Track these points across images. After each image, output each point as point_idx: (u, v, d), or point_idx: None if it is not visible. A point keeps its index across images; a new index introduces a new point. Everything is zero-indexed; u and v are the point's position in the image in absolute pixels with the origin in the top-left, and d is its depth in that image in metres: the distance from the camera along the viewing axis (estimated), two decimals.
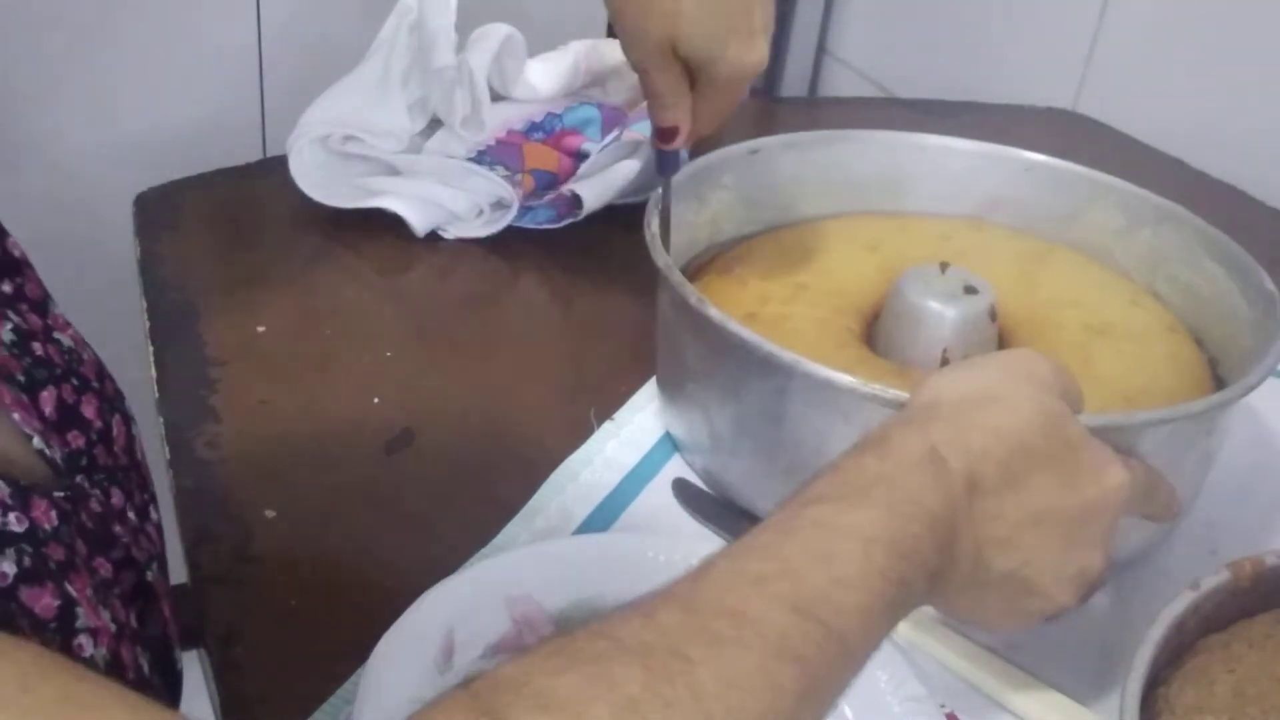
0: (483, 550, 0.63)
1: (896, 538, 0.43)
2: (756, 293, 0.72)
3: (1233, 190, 1.08)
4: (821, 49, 1.59)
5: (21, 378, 0.56)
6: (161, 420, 0.71)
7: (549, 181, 0.93)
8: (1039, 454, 0.49)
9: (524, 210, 0.91)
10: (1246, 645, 0.53)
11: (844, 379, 0.58)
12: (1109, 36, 1.21)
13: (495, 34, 0.91)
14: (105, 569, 0.55)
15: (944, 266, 0.69)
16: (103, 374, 0.64)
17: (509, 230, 0.91)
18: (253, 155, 1.02)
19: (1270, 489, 0.74)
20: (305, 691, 0.55)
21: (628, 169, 0.92)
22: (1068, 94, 1.25)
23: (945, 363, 0.67)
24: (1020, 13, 1.32)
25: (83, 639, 0.49)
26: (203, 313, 0.80)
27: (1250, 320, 0.69)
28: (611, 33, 0.77)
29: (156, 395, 0.73)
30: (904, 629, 0.59)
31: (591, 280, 0.88)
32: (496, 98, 0.95)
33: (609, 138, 0.94)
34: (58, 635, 0.48)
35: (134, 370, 0.75)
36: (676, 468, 0.70)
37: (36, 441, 0.54)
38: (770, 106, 1.44)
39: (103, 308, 0.92)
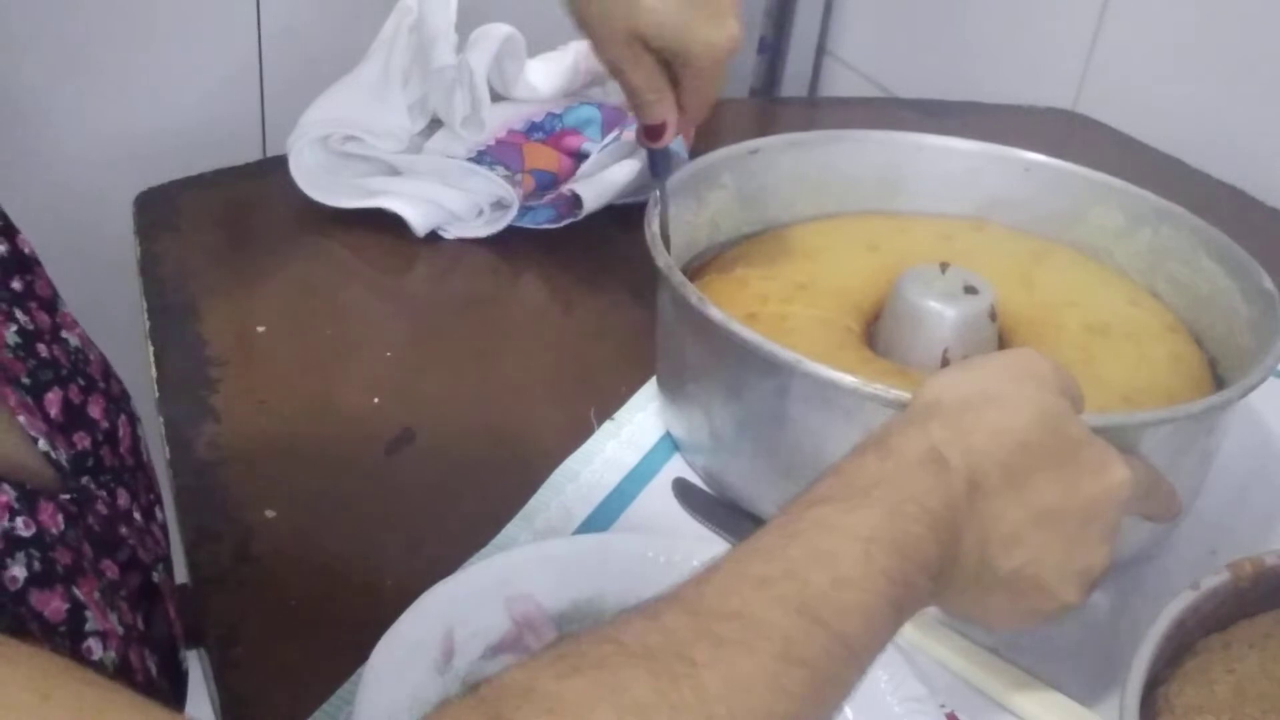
0: (483, 550, 0.63)
1: (898, 538, 0.43)
2: (757, 292, 0.72)
3: (1233, 190, 1.08)
4: (821, 49, 1.59)
5: (26, 380, 0.56)
6: (161, 420, 0.71)
7: (549, 181, 0.93)
8: (1041, 453, 0.49)
9: (524, 210, 0.91)
10: (1246, 645, 0.53)
11: (846, 379, 0.58)
12: (1109, 36, 1.21)
13: (495, 34, 0.91)
14: (112, 571, 0.55)
15: (944, 267, 0.69)
16: (109, 374, 0.64)
17: (509, 230, 0.91)
18: (253, 155, 1.02)
19: (1270, 489, 0.74)
20: (305, 691, 0.55)
21: (628, 169, 0.92)
22: (1068, 94, 1.25)
23: (945, 363, 0.67)
24: (1020, 13, 1.32)
25: (91, 642, 0.49)
26: (203, 313, 0.80)
27: (1250, 320, 0.69)
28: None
29: (156, 395, 0.73)
30: (905, 629, 0.59)
31: (591, 280, 0.88)
32: (496, 98, 0.95)
33: (609, 138, 0.94)
34: (67, 639, 0.48)
35: (134, 371, 0.75)
36: (677, 468, 0.70)
37: (42, 444, 0.54)
38: (770, 106, 1.44)
39: (103, 308, 0.92)
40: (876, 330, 0.71)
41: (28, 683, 0.31)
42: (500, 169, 0.93)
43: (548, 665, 0.37)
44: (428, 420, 0.72)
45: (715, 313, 0.61)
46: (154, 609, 0.58)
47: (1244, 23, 1.09)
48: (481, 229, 0.91)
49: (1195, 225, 0.74)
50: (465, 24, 0.93)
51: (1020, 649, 0.60)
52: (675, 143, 0.94)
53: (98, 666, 0.49)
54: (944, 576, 0.46)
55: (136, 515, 0.60)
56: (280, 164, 0.91)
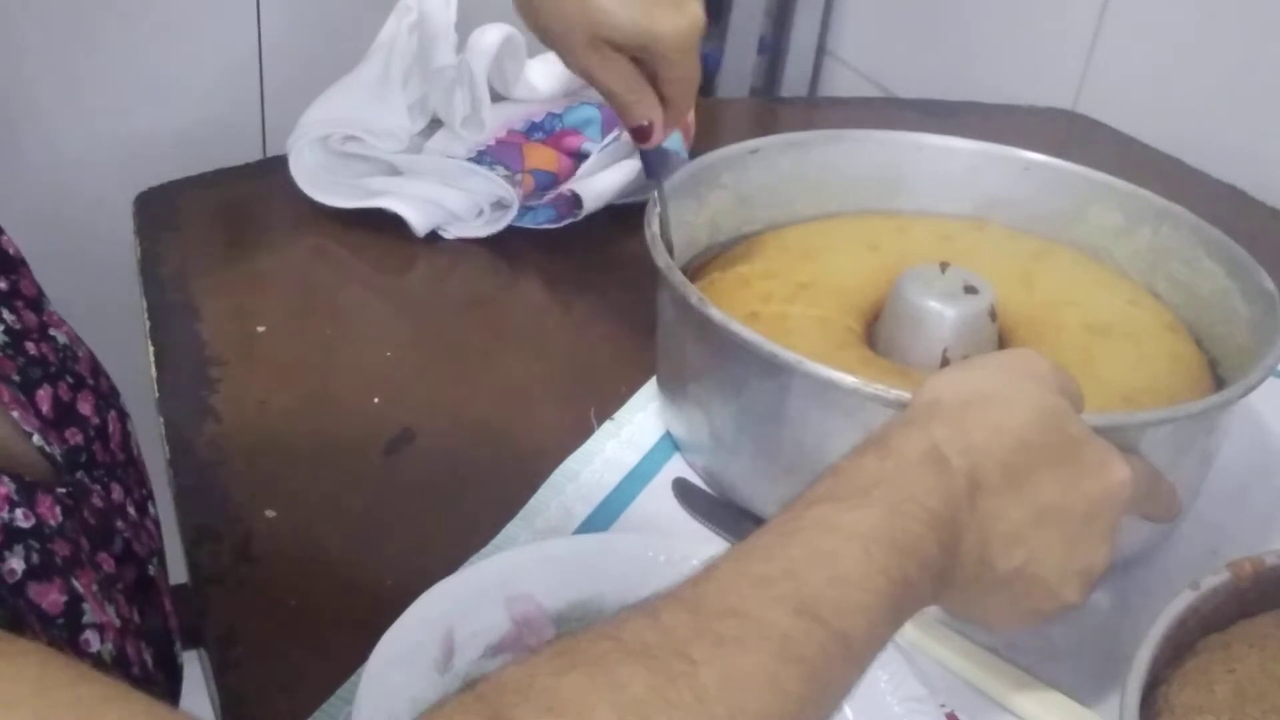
0: (483, 550, 0.63)
1: (898, 537, 0.43)
2: (760, 291, 0.72)
3: (1233, 190, 1.08)
4: (821, 49, 1.59)
5: (17, 377, 0.56)
6: (161, 420, 0.71)
7: (549, 181, 0.93)
8: (1041, 451, 0.49)
9: (524, 210, 0.91)
10: (1246, 645, 0.53)
11: (846, 379, 0.58)
12: (1109, 36, 1.21)
13: (495, 34, 0.91)
14: (108, 564, 0.55)
15: (944, 266, 0.69)
16: (97, 371, 0.64)
17: (509, 230, 0.91)
18: (253, 155, 1.02)
19: (1270, 489, 0.74)
20: (305, 691, 0.55)
21: (628, 169, 0.92)
22: (1068, 94, 1.25)
23: (945, 363, 0.67)
24: (1020, 13, 1.32)
25: (89, 634, 0.49)
26: (203, 313, 0.80)
27: (1250, 320, 0.69)
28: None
29: (156, 395, 0.73)
30: (905, 629, 0.59)
31: (591, 280, 0.88)
32: (496, 98, 0.95)
33: (609, 138, 0.94)
34: (65, 631, 0.48)
35: (134, 371, 0.75)
36: (677, 467, 0.70)
37: (36, 439, 0.54)
38: (770, 106, 1.44)
39: (103, 308, 0.92)
40: (876, 330, 0.71)
41: (26, 679, 0.31)
42: (500, 169, 0.93)
43: (546, 662, 0.37)
44: (428, 420, 0.72)
45: (715, 313, 0.61)
46: (149, 602, 0.58)
47: (1244, 23, 1.09)
48: (481, 229, 0.91)
49: (1195, 225, 0.74)
50: (465, 24, 0.93)
51: (1020, 649, 0.60)
52: (675, 142, 0.95)
53: (95, 658, 0.50)
54: (945, 576, 0.46)
55: (130, 510, 0.60)
56: (280, 164, 0.91)
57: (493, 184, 0.90)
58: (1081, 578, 0.51)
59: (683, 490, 0.69)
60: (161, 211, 0.91)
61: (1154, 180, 0.78)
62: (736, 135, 0.79)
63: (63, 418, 0.58)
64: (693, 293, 0.63)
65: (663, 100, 0.69)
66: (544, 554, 0.60)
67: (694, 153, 0.94)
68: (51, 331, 0.61)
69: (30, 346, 0.58)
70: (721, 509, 0.67)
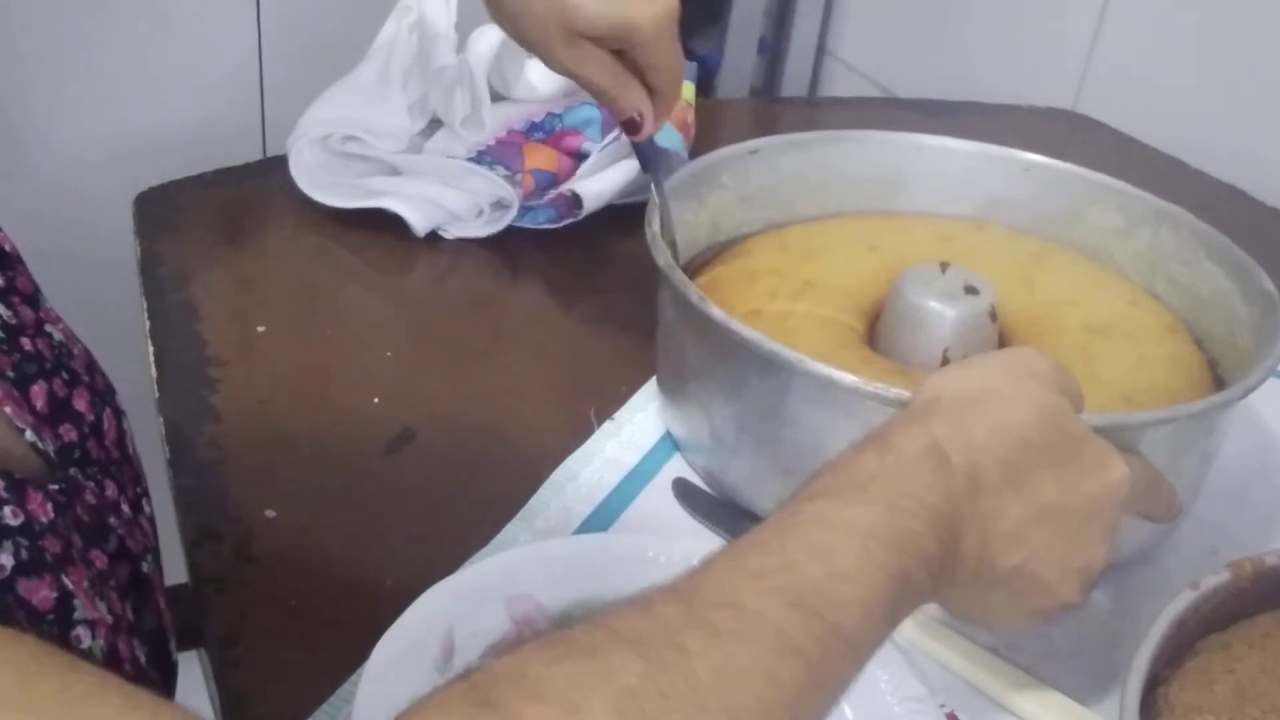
0: (483, 550, 0.63)
1: (896, 532, 0.43)
2: (766, 288, 0.72)
3: (1233, 190, 1.08)
4: (821, 49, 1.59)
5: (11, 373, 0.56)
6: (161, 420, 0.71)
7: (549, 181, 0.93)
8: (1040, 449, 0.49)
9: (524, 210, 0.91)
10: (1246, 645, 0.53)
11: (846, 378, 0.58)
12: (1109, 36, 1.21)
13: (495, 34, 0.91)
14: (101, 561, 0.55)
15: (944, 267, 0.69)
16: (93, 368, 0.64)
17: (509, 230, 0.91)
18: (253, 155, 1.02)
19: (1270, 489, 0.74)
20: (305, 691, 0.55)
21: (628, 169, 0.92)
22: (1068, 94, 1.25)
23: (945, 362, 0.67)
24: (1020, 13, 1.32)
25: (80, 631, 0.49)
26: (203, 313, 0.80)
27: (1250, 321, 0.69)
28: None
29: (156, 395, 0.73)
30: (905, 629, 0.59)
31: (591, 280, 0.88)
32: (496, 98, 0.95)
33: (609, 138, 0.94)
34: (55, 627, 0.48)
35: (134, 370, 0.75)
36: (677, 467, 0.70)
37: (29, 435, 0.54)
38: (770, 106, 1.44)
39: (103, 308, 0.92)
40: (877, 330, 0.71)
41: (11, 668, 0.31)
42: (500, 169, 0.93)
43: (538, 651, 0.36)
44: (428, 420, 0.72)
45: (716, 311, 0.61)
46: (143, 600, 0.58)
47: (1244, 23, 1.09)
48: (481, 229, 0.91)
49: (1195, 226, 0.74)
50: (465, 24, 0.93)
51: (1020, 649, 0.60)
52: (675, 142, 0.95)
53: (86, 655, 0.49)
54: (944, 573, 0.46)
55: (124, 507, 0.60)
56: (280, 164, 0.91)
57: (493, 184, 0.90)
58: (1081, 576, 0.51)
59: (683, 490, 0.69)
60: (161, 211, 0.91)
61: (1154, 180, 0.78)
62: (736, 135, 0.79)
63: (57, 414, 0.58)
64: (693, 291, 0.63)
65: (650, 91, 0.69)
66: (544, 554, 0.60)
67: (694, 153, 0.94)
68: (47, 328, 0.61)
69: (25, 342, 0.58)
70: (721, 509, 0.67)
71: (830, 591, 0.40)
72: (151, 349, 0.77)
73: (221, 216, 0.93)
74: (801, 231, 0.78)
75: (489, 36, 0.92)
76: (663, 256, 0.65)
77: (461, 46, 0.92)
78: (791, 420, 0.62)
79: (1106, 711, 0.57)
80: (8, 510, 0.48)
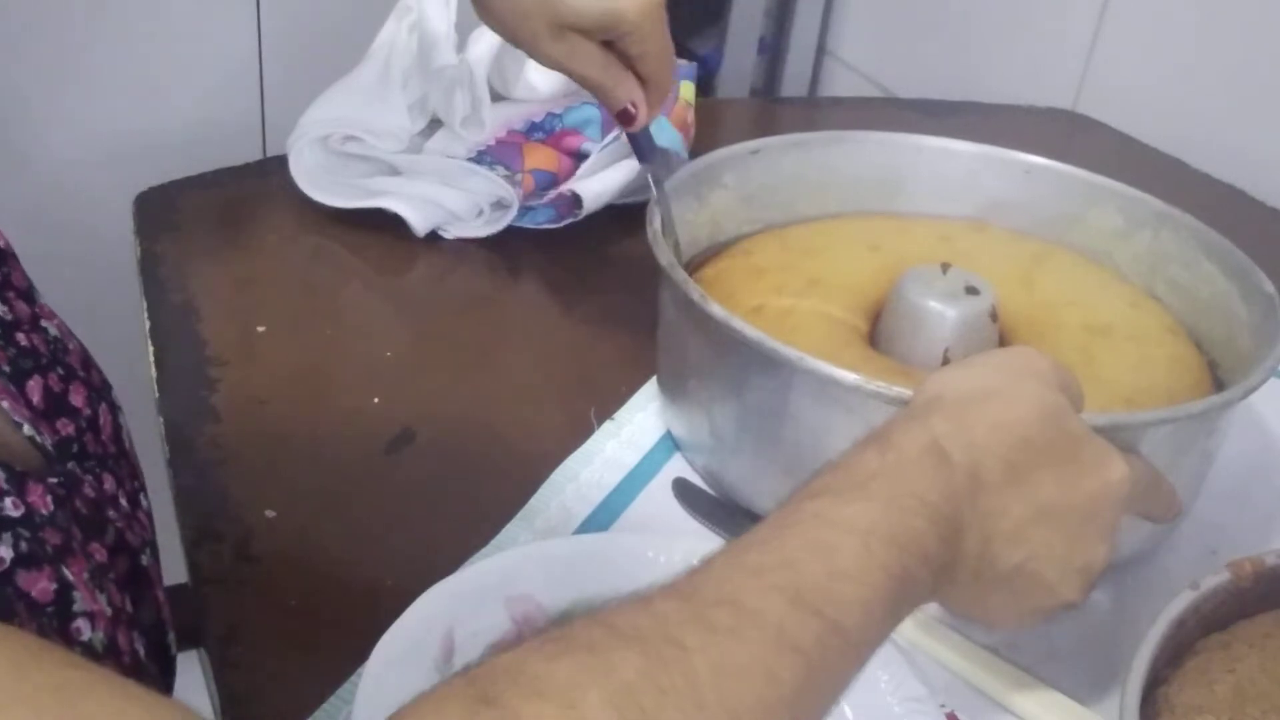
0: (483, 550, 0.63)
1: (896, 530, 0.43)
2: (773, 283, 0.72)
3: (1233, 190, 1.08)
4: (821, 49, 1.59)
5: (8, 367, 0.57)
6: (161, 420, 0.71)
7: (549, 181, 0.93)
8: (1041, 448, 0.49)
9: (524, 210, 0.91)
10: (1246, 645, 0.53)
11: (847, 376, 0.58)
12: (1109, 36, 1.21)
13: (495, 34, 0.91)
14: (100, 554, 0.55)
15: (945, 267, 0.69)
16: (88, 363, 0.64)
17: (509, 230, 0.91)
18: (253, 155, 1.02)
19: (1270, 489, 0.74)
20: (305, 691, 0.55)
21: (628, 169, 0.92)
22: (1068, 94, 1.25)
23: (946, 362, 0.67)
24: (1020, 13, 1.32)
25: (80, 623, 0.49)
26: (203, 313, 0.80)
27: (1249, 323, 0.69)
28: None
29: (156, 395, 0.73)
30: (905, 629, 0.59)
31: (591, 280, 0.88)
32: (496, 98, 0.95)
33: (609, 138, 0.94)
34: (55, 619, 0.48)
35: (134, 371, 0.75)
36: (677, 467, 0.70)
37: (26, 429, 0.54)
38: (770, 106, 1.44)
39: (103, 308, 0.92)
40: (878, 330, 0.71)
41: (5, 662, 0.31)
42: (500, 169, 0.93)
43: (537, 648, 0.36)
44: (428, 420, 0.72)
45: (717, 310, 0.61)
46: (142, 593, 0.58)
47: (1244, 23, 1.09)
48: (481, 229, 0.91)
49: (1195, 228, 0.74)
50: (465, 24, 0.92)
51: (1020, 649, 0.60)
52: (675, 142, 0.95)
53: (86, 647, 0.49)
54: (945, 571, 0.46)
55: (122, 501, 0.60)
56: (280, 164, 0.91)
57: (493, 184, 0.90)
58: (1081, 576, 0.51)
59: (683, 490, 0.69)
60: (161, 211, 0.91)
61: (1154, 180, 0.79)
62: (736, 135, 0.79)
63: (54, 408, 0.58)
64: (694, 290, 0.63)
65: (642, 81, 0.68)
66: (544, 554, 0.60)
67: (694, 153, 0.94)
68: (43, 323, 0.61)
69: (21, 337, 0.59)
70: (721, 508, 0.67)
71: (830, 590, 0.40)
72: (151, 349, 0.77)
73: (221, 216, 0.93)
74: (802, 231, 0.78)
75: (489, 36, 0.92)
76: (664, 255, 0.65)
77: (461, 46, 0.92)
78: (792, 419, 0.62)
79: (1106, 711, 0.57)
80: (9, 502, 0.48)
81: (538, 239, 0.91)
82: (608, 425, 0.73)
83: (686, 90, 1.02)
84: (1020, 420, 0.49)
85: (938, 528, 0.45)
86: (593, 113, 0.96)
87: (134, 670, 0.53)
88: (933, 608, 0.54)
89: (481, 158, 0.93)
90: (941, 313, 0.67)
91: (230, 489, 0.66)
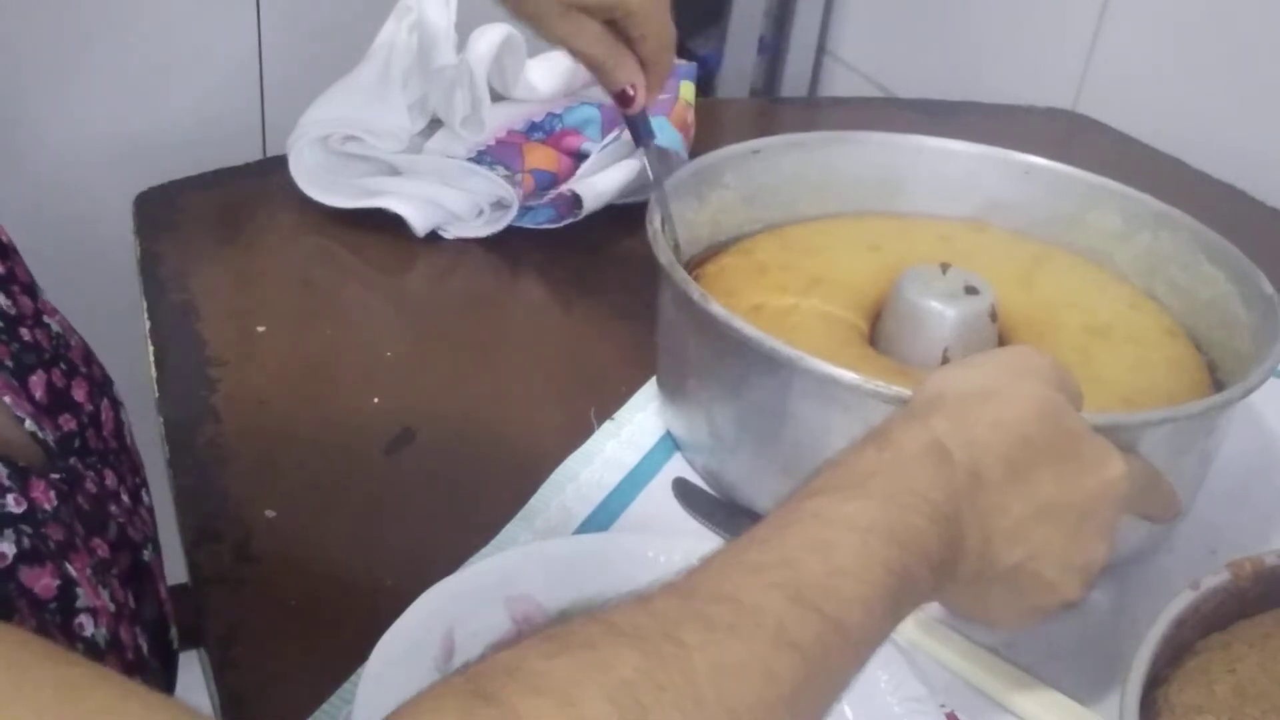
0: (483, 550, 0.63)
1: (896, 528, 0.43)
2: (775, 281, 0.72)
3: (1233, 191, 1.08)
4: (821, 49, 1.59)
5: (10, 362, 0.57)
6: (161, 420, 0.71)
7: (549, 181, 0.93)
8: (1041, 446, 0.49)
9: (524, 210, 0.91)
10: (1246, 645, 0.53)
11: (846, 375, 0.58)
12: (1109, 36, 1.21)
13: (495, 34, 0.91)
14: (102, 549, 0.55)
15: (945, 267, 0.70)
16: (90, 359, 0.64)
17: (509, 230, 0.91)
18: (253, 155, 1.02)
19: (1270, 489, 0.74)
20: (305, 691, 0.55)
21: (628, 169, 0.92)
22: (1068, 94, 1.25)
23: (946, 362, 0.67)
24: (1020, 13, 1.32)
25: (83, 618, 0.49)
26: (203, 313, 0.80)
27: (1249, 324, 0.69)
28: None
29: (156, 395, 0.73)
30: (905, 629, 0.59)
31: (591, 280, 0.88)
32: (496, 98, 0.95)
33: (609, 138, 0.94)
34: (58, 615, 0.48)
35: (134, 370, 0.75)
36: (677, 467, 0.70)
37: (29, 424, 0.54)
38: (770, 106, 1.44)
39: (103, 308, 0.92)
40: (878, 329, 0.71)
41: (4, 660, 0.31)
42: (500, 169, 0.93)
43: (536, 645, 0.36)
44: (428, 420, 0.72)
45: (716, 308, 0.61)
46: (144, 588, 0.58)
47: (1244, 23, 1.09)
48: (481, 229, 0.91)
49: (1195, 229, 0.74)
50: (465, 24, 0.93)
51: (1020, 649, 0.60)
52: (675, 142, 0.95)
53: (89, 642, 0.50)
54: (945, 569, 0.46)
55: (124, 496, 0.60)
56: (280, 164, 0.91)
57: (493, 184, 0.90)
58: (1081, 574, 0.51)
59: (683, 490, 0.69)
60: (161, 211, 0.91)
61: (1154, 180, 0.79)
62: (736, 135, 0.79)
63: (56, 404, 0.58)
64: (694, 289, 0.63)
65: (642, 63, 0.70)
66: (544, 554, 0.60)
67: (694, 153, 0.94)
68: (45, 319, 0.62)
69: (24, 332, 0.59)
70: (722, 509, 0.67)
71: (830, 587, 0.40)
72: (151, 349, 0.77)
73: (221, 216, 0.93)
74: (802, 231, 0.78)
75: (489, 36, 0.92)
76: (664, 254, 0.65)
77: (461, 46, 0.92)
78: (791, 418, 0.62)
79: (1106, 711, 0.57)
80: (11, 498, 0.48)
81: (538, 239, 0.91)
82: (608, 425, 0.73)
83: (686, 90, 1.02)
84: (1020, 419, 0.49)
85: (938, 526, 0.45)
86: (593, 113, 0.96)
87: (136, 666, 0.53)
88: (933, 608, 0.54)
89: (481, 158, 0.93)
90: (941, 312, 0.67)
91: (230, 489, 0.66)
